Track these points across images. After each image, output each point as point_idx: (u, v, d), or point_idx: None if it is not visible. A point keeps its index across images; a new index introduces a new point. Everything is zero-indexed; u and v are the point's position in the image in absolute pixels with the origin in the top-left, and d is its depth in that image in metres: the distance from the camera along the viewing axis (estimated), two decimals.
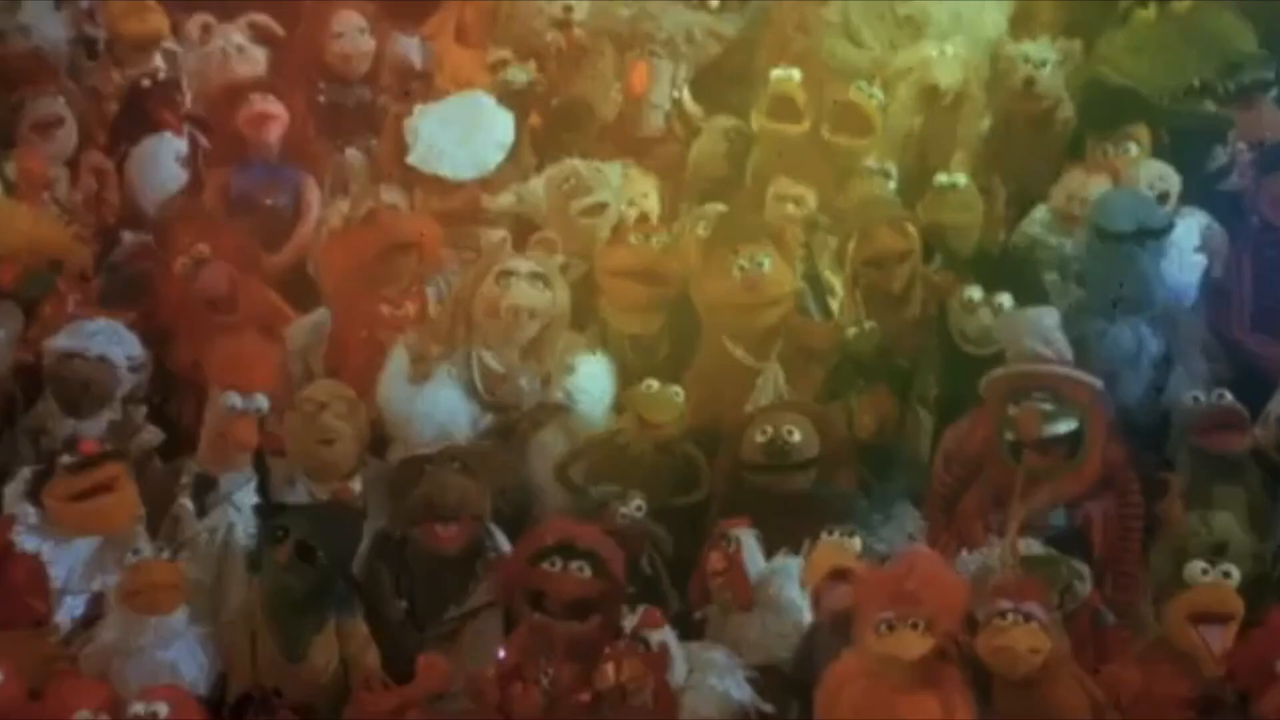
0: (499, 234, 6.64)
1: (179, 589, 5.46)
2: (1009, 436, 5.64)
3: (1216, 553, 5.34)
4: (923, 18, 7.37)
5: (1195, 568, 5.18)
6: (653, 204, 6.84)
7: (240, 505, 5.93)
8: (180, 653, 5.41)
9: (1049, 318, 5.88)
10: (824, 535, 5.47)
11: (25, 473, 5.91)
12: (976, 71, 7.12)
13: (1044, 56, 6.98)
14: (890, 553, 5.61)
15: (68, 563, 5.75)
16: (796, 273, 6.30)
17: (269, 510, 5.76)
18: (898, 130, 7.10)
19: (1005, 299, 6.06)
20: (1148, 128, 6.80)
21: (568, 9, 7.46)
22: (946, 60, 7.11)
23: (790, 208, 6.58)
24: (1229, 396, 5.72)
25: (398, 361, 6.10)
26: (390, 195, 6.74)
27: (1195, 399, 5.70)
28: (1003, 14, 7.38)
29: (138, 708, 5.14)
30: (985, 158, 7.04)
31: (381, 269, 6.34)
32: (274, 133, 7.03)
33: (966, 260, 6.42)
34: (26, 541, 5.68)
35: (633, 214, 6.77)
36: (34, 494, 5.82)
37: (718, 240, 6.31)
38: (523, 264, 6.16)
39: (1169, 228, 6.23)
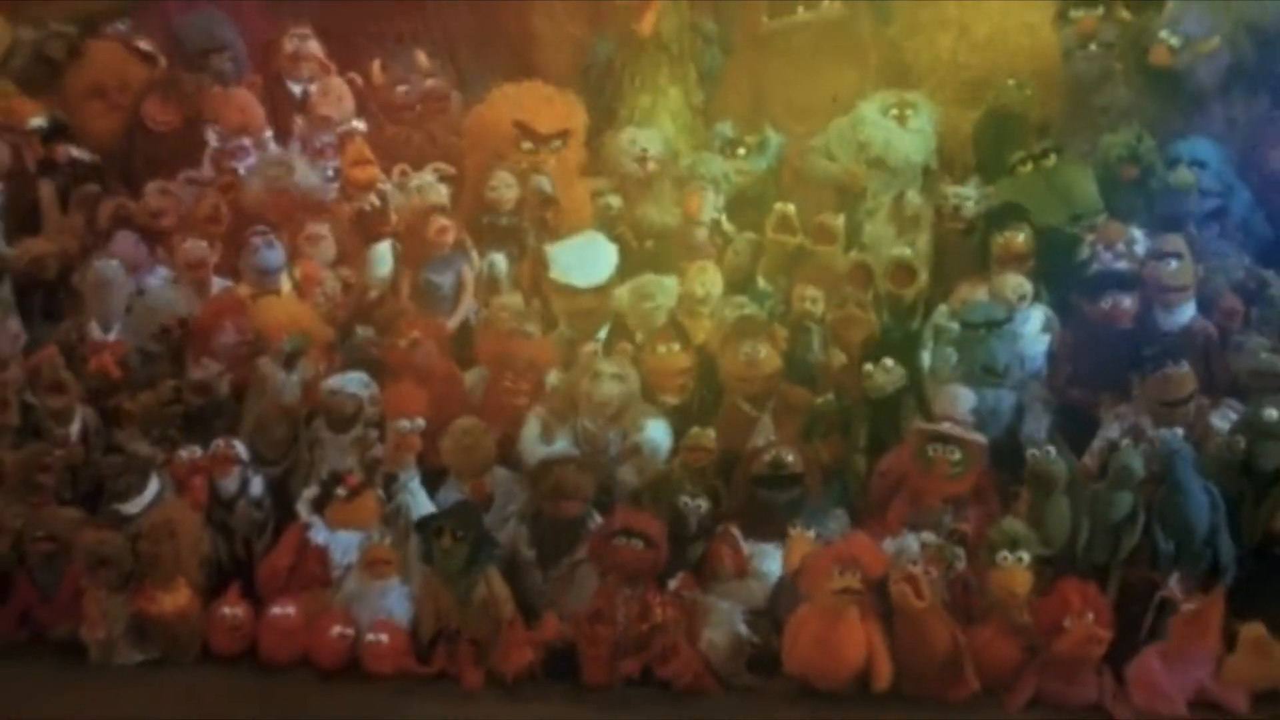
0: (590, 346, 7.36)
1: (394, 564, 6.52)
2: (933, 453, 6.52)
3: (1012, 545, 6.24)
4: (866, 140, 8.03)
5: (1001, 554, 6.22)
6: (718, 289, 7.63)
7: (410, 490, 6.81)
8: (394, 602, 6.49)
9: (966, 397, 6.81)
10: (791, 531, 6.53)
11: (309, 493, 6.86)
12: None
13: (969, 194, 7.74)
14: (833, 538, 6.51)
15: (342, 546, 6.69)
16: (781, 357, 7.12)
17: (427, 521, 6.55)
18: (880, 240, 7.83)
19: (899, 370, 6.92)
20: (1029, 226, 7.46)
21: (644, 150, 8.21)
22: (912, 195, 7.85)
23: (809, 304, 7.32)
24: (1053, 453, 6.44)
25: (532, 428, 6.96)
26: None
27: (1033, 455, 6.43)
28: (930, 149, 8.09)
29: (369, 636, 6.37)
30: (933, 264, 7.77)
31: (503, 361, 7.23)
32: (449, 238, 7.83)
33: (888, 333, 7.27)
34: (318, 537, 6.69)
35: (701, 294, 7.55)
36: (317, 507, 6.80)
37: (732, 334, 7.21)
38: (607, 366, 7.05)
39: (1007, 319, 7.01)
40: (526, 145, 8.25)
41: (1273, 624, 6.17)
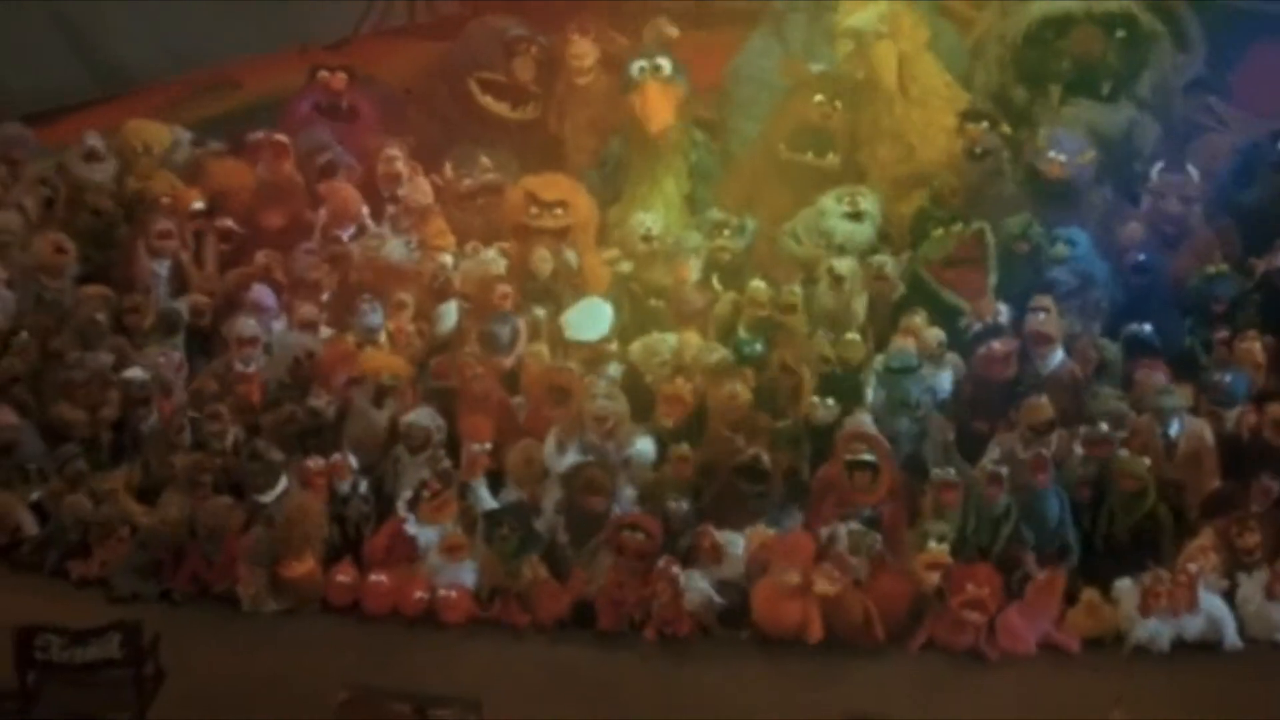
0: (590, 378, 8.59)
1: (466, 549, 7.89)
2: (849, 458, 7.95)
3: (940, 539, 7.76)
4: (829, 230, 9.39)
5: (930, 543, 7.74)
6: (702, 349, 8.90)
7: (480, 494, 8.17)
8: (464, 572, 7.91)
9: (869, 419, 8.29)
10: (753, 528, 7.95)
11: (406, 495, 8.14)
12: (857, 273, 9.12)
13: (887, 260, 9.18)
14: (785, 531, 7.95)
15: (426, 537, 7.98)
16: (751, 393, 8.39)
17: (492, 514, 7.97)
18: (823, 304, 9.14)
19: (833, 403, 8.34)
20: (925, 308, 8.90)
21: (649, 229, 9.60)
22: (849, 266, 9.14)
23: (790, 378, 8.61)
24: (952, 472, 7.94)
25: (550, 443, 8.38)
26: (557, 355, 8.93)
27: (936, 473, 7.96)
28: (874, 230, 9.50)
29: (442, 593, 7.77)
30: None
31: (548, 395, 8.54)
32: (509, 304, 9.16)
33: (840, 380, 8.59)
34: (410, 529, 8.01)
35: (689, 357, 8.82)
36: (411, 506, 8.08)
37: (715, 377, 8.50)
38: (600, 390, 8.44)
39: (916, 367, 8.40)
40: (533, 210, 9.77)
41: (1104, 589, 7.75)
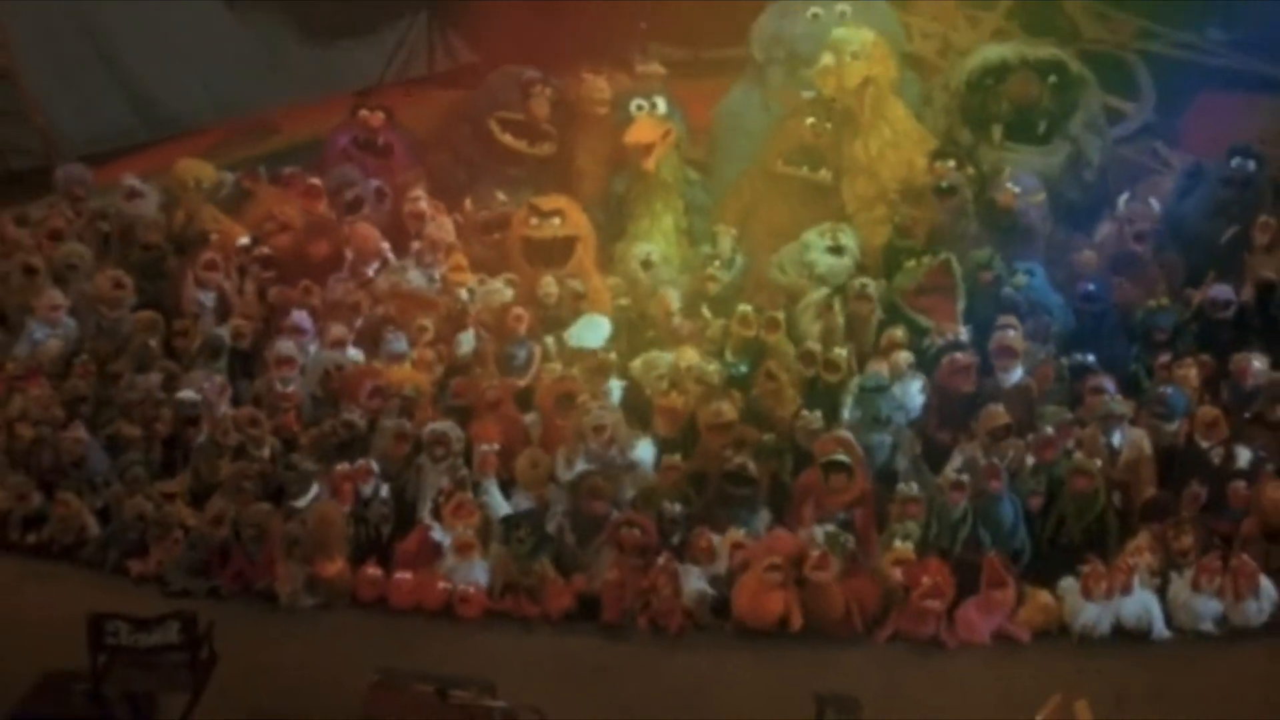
0: (583, 396, 9.24)
1: (476, 548, 8.50)
2: (824, 459, 8.54)
3: (905, 537, 8.44)
4: (811, 262, 10.04)
5: (896, 541, 8.36)
6: (696, 362, 9.54)
7: (490, 494, 8.76)
8: (478, 570, 8.51)
9: (850, 432, 8.92)
10: (730, 530, 8.60)
11: (429, 503, 8.77)
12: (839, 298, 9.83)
13: (869, 281, 9.85)
14: (759, 533, 8.61)
15: (449, 540, 8.58)
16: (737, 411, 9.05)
17: (509, 518, 8.58)
18: (808, 332, 9.85)
19: (820, 421, 8.98)
20: (903, 325, 9.63)
21: (649, 253, 10.42)
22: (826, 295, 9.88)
23: (772, 384, 9.36)
24: (915, 488, 8.56)
25: (561, 457, 9.01)
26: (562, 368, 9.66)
27: (902, 489, 8.59)
28: (852, 261, 10.17)
29: (459, 588, 8.32)
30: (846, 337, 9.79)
31: (557, 404, 9.26)
32: (523, 327, 9.88)
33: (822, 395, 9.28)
34: (435, 535, 8.63)
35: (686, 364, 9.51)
36: (435, 513, 8.73)
37: (703, 397, 9.16)
38: (593, 404, 9.10)
39: (888, 387, 9.06)
40: (533, 221, 10.52)
41: (1053, 587, 8.43)
